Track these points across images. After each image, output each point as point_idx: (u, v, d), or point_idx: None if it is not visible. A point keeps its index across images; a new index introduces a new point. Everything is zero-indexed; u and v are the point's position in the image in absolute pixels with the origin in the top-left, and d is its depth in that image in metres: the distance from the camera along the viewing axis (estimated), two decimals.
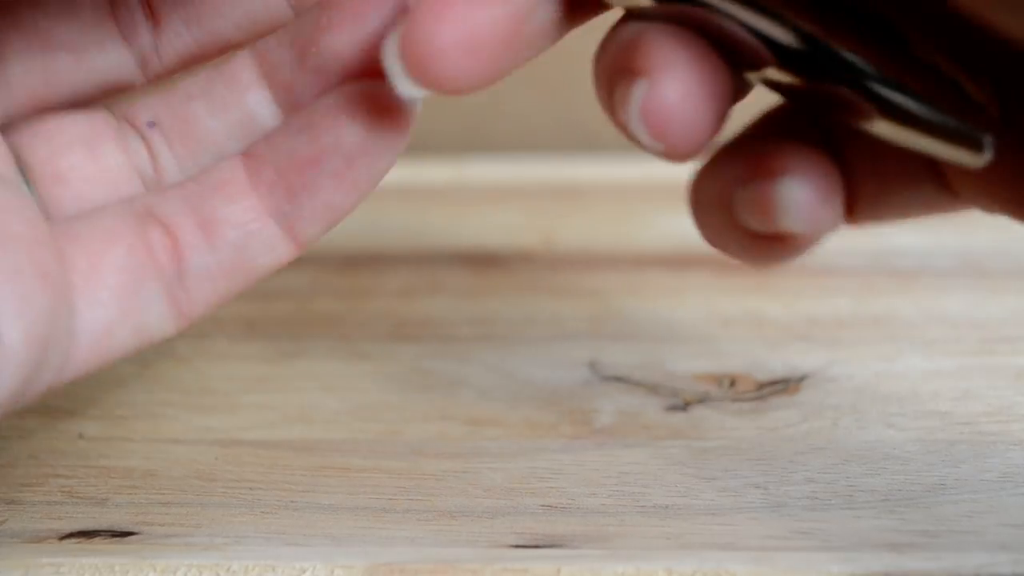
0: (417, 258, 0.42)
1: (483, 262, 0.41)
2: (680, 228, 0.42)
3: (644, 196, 0.46)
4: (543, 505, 0.28)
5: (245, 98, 0.27)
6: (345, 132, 0.26)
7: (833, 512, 0.28)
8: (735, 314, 0.37)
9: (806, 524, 0.27)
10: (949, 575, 0.26)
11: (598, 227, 0.43)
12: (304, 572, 0.26)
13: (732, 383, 0.33)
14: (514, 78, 0.58)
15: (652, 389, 0.33)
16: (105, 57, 0.27)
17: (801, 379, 0.33)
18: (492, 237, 0.43)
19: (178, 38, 0.28)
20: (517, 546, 0.27)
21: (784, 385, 0.33)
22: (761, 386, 0.33)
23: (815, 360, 0.34)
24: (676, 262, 0.40)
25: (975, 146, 0.22)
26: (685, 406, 0.32)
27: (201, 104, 0.27)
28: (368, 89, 0.25)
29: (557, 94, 0.53)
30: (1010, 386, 0.33)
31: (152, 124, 0.28)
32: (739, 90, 0.24)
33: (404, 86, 0.23)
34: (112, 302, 0.25)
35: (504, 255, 0.42)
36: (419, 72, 0.23)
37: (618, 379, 0.34)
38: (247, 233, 0.26)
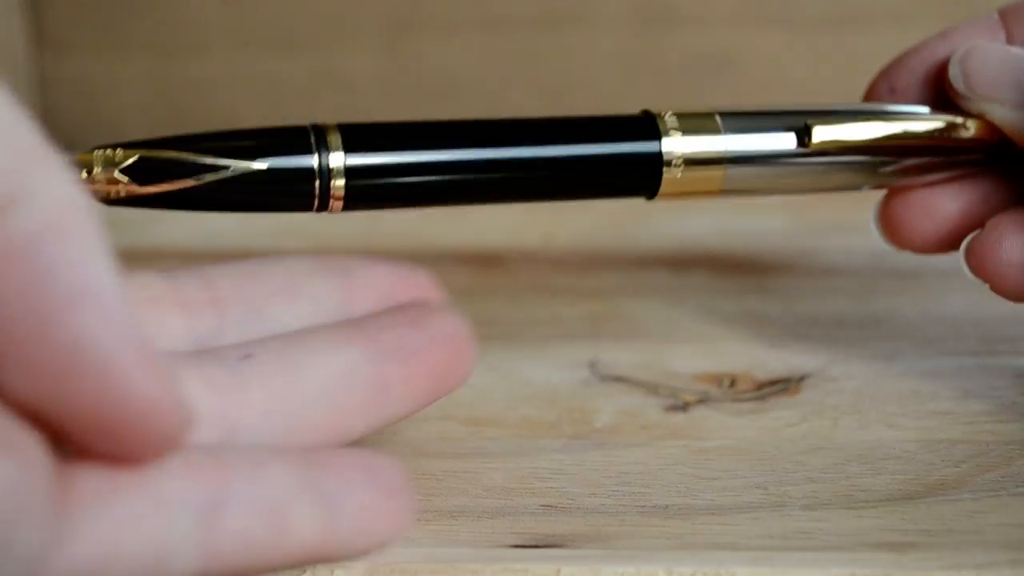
0: (417, 258, 0.41)
1: (483, 262, 0.41)
2: (680, 228, 0.42)
3: None
4: (543, 505, 0.28)
5: None
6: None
7: (833, 512, 0.28)
8: (735, 314, 0.37)
9: (806, 524, 0.27)
10: (949, 575, 0.25)
11: (598, 227, 0.43)
12: (304, 572, 0.26)
13: (732, 383, 0.33)
14: (514, 77, 0.58)
15: (652, 389, 0.33)
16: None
17: (801, 379, 0.33)
18: (492, 237, 0.43)
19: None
20: (517, 546, 0.27)
21: (784, 385, 0.33)
22: (761, 386, 0.33)
23: (815, 360, 0.34)
24: (676, 262, 0.40)
25: None
26: (685, 406, 0.32)
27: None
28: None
29: (557, 94, 0.53)
30: (1010, 386, 0.33)
31: (248, 356, 0.25)
32: None
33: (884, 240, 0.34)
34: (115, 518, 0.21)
35: (504, 255, 0.42)
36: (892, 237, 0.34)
37: (618, 379, 0.34)
38: (284, 502, 0.23)
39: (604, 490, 0.29)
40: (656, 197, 0.31)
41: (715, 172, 0.31)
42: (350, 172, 0.29)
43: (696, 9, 0.52)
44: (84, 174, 0.28)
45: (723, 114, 0.31)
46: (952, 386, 0.33)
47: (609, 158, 0.30)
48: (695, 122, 0.31)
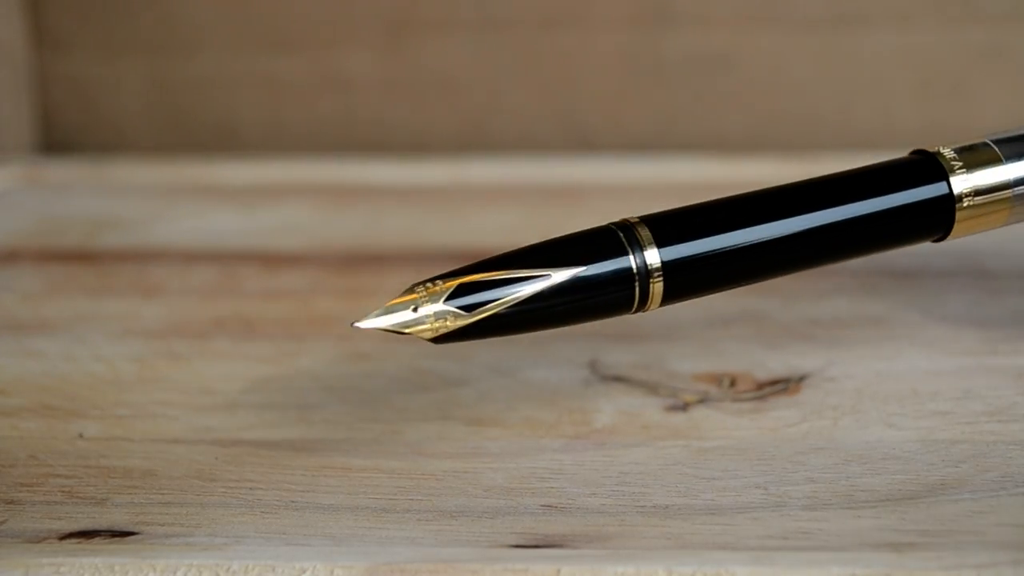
0: (417, 258, 0.42)
1: None
2: None
3: (644, 196, 0.46)
4: (543, 505, 0.28)
5: None
6: None
7: (833, 512, 0.28)
8: (735, 314, 0.37)
9: (806, 524, 0.27)
10: (949, 575, 0.25)
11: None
12: (304, 572, 0.26)
13: (732, 383, 0.33)
14: (514, 78, 0.58)
15: (652, 389, 0.33)
16: None
17: (801, 379, 0.33)
18: (492, 237, 0.43)
19: None
20: (517, 546, 0.27)
21: (784, 385, 0.33)
22: (761, 386, 0.33)
23: (815, 360, 0.34)
24: None
25: None
26: (685, 406, 0.32)
27: None
28: None
29: (557, 94, 0.53)
30: (1010, 386, 0.33)
31: None
32: None
33: None
34: None
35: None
36: None
37: (618, 379, 0.34)
38: None
39: (604, 490, 0.29)
40: (948, 238, 0.31)
41: (1003, 203, 0.31)
42: (667, 266, 0.29)
43: (696, 9, 0.52)
44: (412, 311, 0.28)
45: (996, 141, 0.31)
46: (952, 386, 0.33)
47: (903, 208, 0.31)
48: (974, 155, 0.31)
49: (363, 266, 0.41)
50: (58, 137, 0.55)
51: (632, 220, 0.29)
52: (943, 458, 0.30)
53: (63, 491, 0.29)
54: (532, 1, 0.52)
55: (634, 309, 0.29)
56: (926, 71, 0.51)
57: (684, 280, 0.29)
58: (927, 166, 0.31)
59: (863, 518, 0.28)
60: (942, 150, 0.31)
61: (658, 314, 0.37)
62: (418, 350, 0.35)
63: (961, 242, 0.40)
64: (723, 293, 0.38)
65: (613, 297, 0.29)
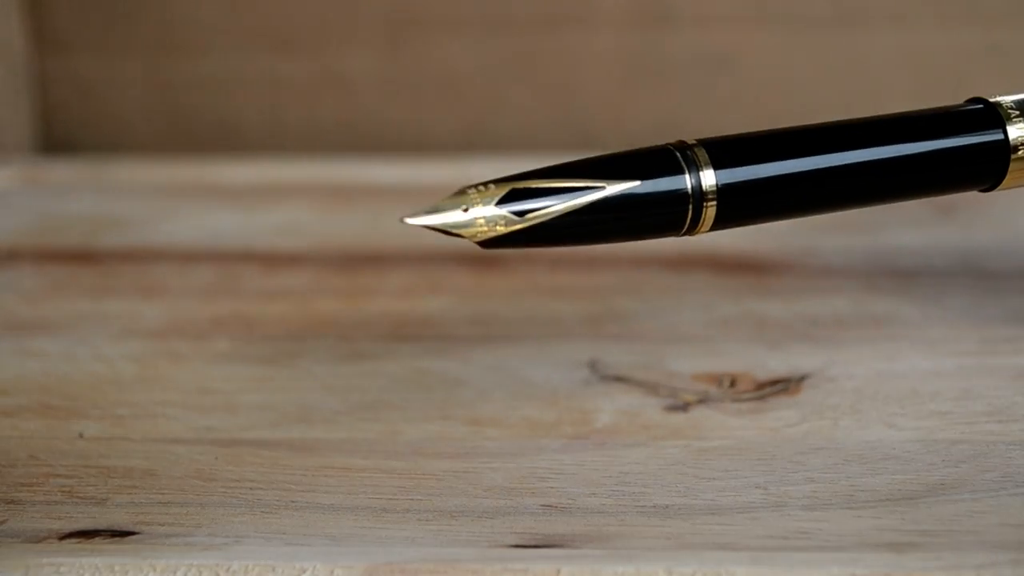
0: (417, 258, 0.42)
1: (483, 262, 0.41)
2: None
3: None
4: (543, 505, 0.28)
5: None
6: None
7: (833, 512, 0.28)
8: (735, 314, 0.37)
9: (806, 524, 0.27)
10: (949, 575, 0.25)
11: None
12: (304, 572, 0.26)
13: (732, 383, 0.33)
14: (514, 78, 0.58)
15: (652, 389, 0.33)
16: None
17: (801, 379, 0.33)
18: None
19: None
20: (517, 546, 0.27)
21: (784, 385, 0.33)
22: (761, 386, 0.33)
23: (815, 360, 0.34)
24: (676, 262, 0.40)
25: None
26: (685, 406, 0.32)
27: None
28: None
29: (557, 94, 0.53)
30: (1010, 386, 0.33)
31: None
32: None
33: None
34: None
35: (504, 255, 0.41)
36: None
37: (618, 379, 0.34)
38: None
39: (604, 490, 0.29)
40: (997, 187, 0.31)
41: None
42: (722, 189, 0.28)
43: (696, 9, 0.52)
44: (463, 211, 0.27)
45: None
46: (952, 386, 0.33)
47: (956, 151, 0.31)
48: None
49: (363, 266, 0.41)
50: (58, 137, 0.55)
51: (690, 141, 0.29)
52: (943, 458, 0.30)
53: (63, 491, 0.29)
54: (532, 1, 0.52)
55: (683, 231, 0.29)
56: (926, 71, 0.51)
57: (737, 205, 0.29)
58: (985, 114, 0.31)
59: (863, 518, 0.28)
60: (1001, 99, 0.31)
61: (658, 314, 0.37)
62: (418, 350, 0.35)
63: (961, 242, 0.40)
64: (723, 291, 0.38)
65: (665, 217, 0.28)
